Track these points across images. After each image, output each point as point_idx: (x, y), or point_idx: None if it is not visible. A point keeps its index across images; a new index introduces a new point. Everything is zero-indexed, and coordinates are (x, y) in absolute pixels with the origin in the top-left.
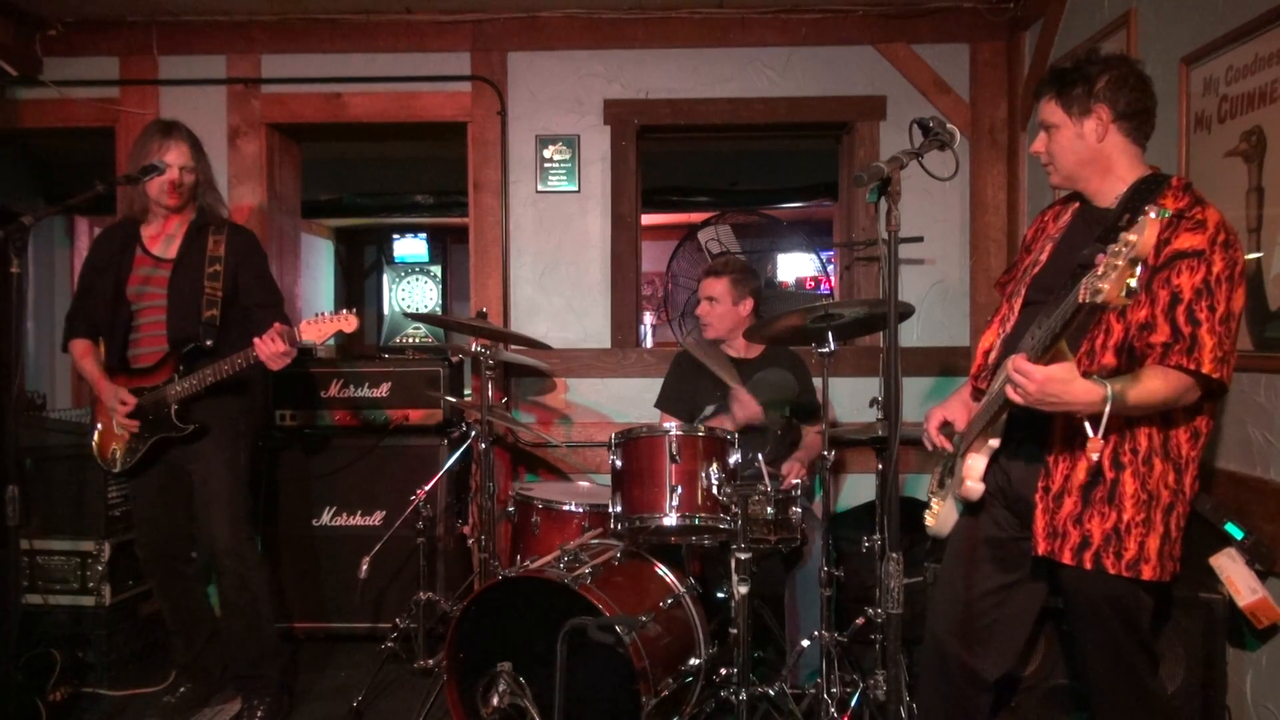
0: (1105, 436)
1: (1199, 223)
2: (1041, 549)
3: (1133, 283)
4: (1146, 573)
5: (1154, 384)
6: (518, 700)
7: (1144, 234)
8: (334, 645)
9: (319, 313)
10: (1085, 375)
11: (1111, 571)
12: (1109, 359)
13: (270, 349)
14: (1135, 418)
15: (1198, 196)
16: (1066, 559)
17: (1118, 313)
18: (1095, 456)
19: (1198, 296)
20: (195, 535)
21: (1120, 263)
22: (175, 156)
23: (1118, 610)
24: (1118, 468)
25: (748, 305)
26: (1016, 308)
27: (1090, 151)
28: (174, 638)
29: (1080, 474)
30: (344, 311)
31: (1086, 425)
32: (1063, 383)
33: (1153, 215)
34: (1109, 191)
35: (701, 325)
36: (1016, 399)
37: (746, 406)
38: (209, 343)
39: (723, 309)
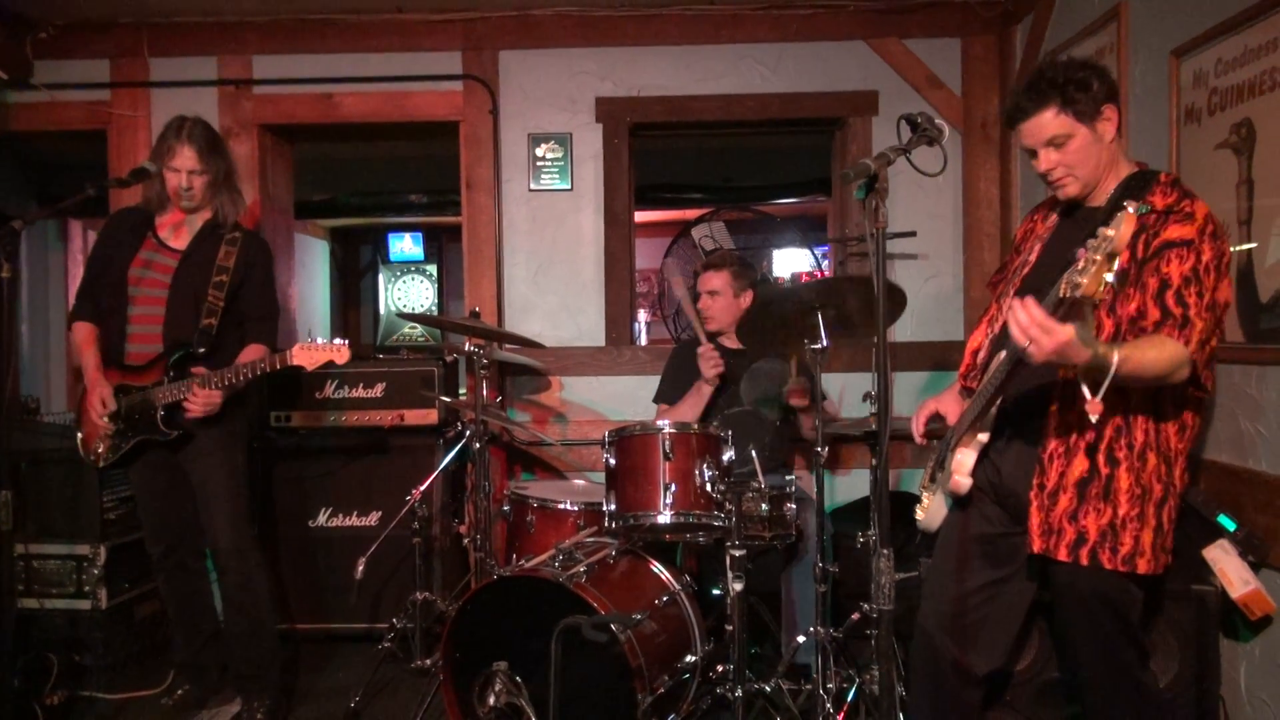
0: (1101, 425)
1: (1188, 215)
2: (1037, 546)
3: (1109, 276)
4: (1142, 566)
5: (1152, 352)
6: (514, 699)
7: (1120, 229)
8: (331, 645)
9: (315, 338)
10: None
11: (1108, 567)
12: None
13: (195, 404)
14: (1131, 413)
15: (1186, 190)
16: (1062, 555)
17: (1107, 308)
18: (1094, 418)
19: (1186, 283)
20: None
21: (1098, 257)
22: (182, 161)
23: (1108, 604)
24: (1112, 463)
25: (748, 297)
26: (1005, 308)
27: (1108, 152)
28: (175, 635)
29: (1075, 470)
30: (338, 342)
31: (1085, 389)
32: (1079, 345)
33: (1130, 210)
34: (1103, 190)
35: (703, 319)
36: (1030, 351)
37: (710, 360)
38: (201, 350)
39: (724, 301)
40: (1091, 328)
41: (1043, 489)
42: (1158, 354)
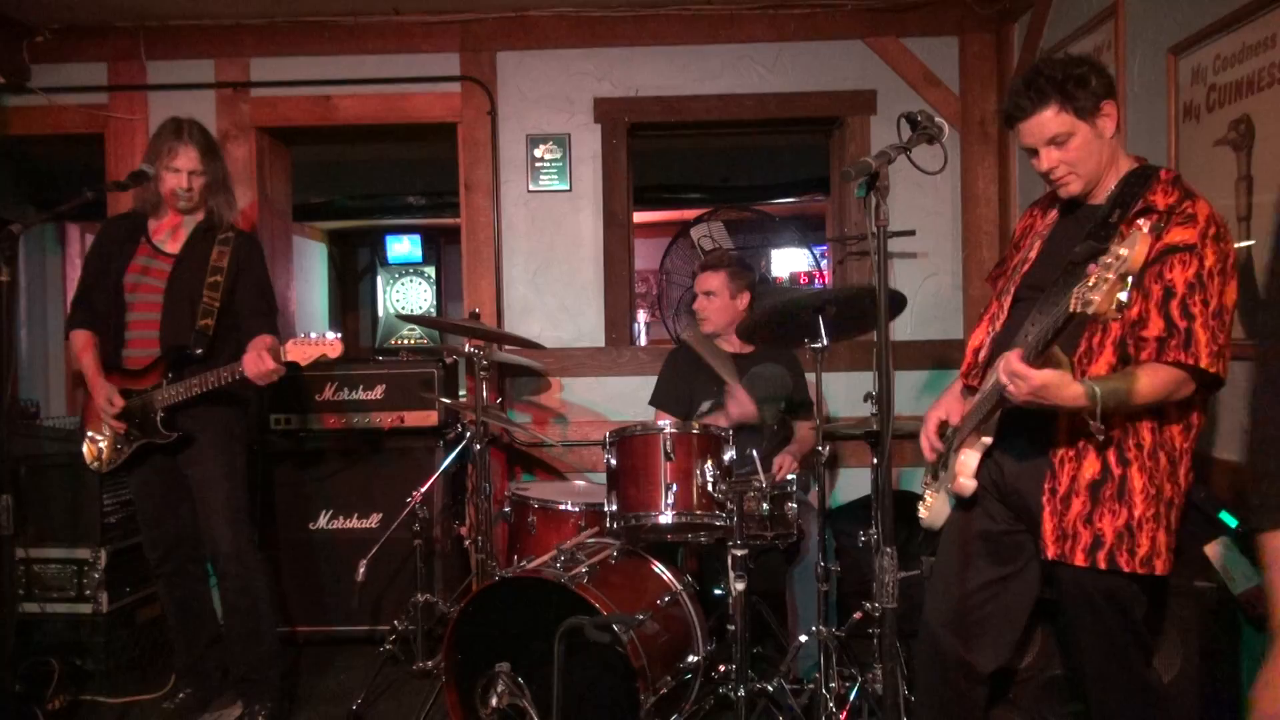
0: (1107, 426)
1: (1189, 217)
2: (1051, 553)
3: (1123, 296)
4: (1159, 568)
5: (1146, 381)
6: (516, 700)
7: (1135, 249)
8: (333, 648)
9: (307, 334)
10: (1084, 375)
11: (1126, 570)
12: (1109, 355)
13: (258, 368)
14: (1137, 414)
15: (1187, 190)
16: (1079, 560)
17: None
18: (1101, 437)
19: (1190, 291)
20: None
21: (1111, 275)
22: (184, 161)
23: (1112, 604)
24: (1124, 464)
25: (745, 299)
26: (1006, 305)
27: (1108, 149)
28: (176, 639)
29: (1087, 473)
30: (329, 336)
31: (1085, 415)
32: (1055, 388)
33: (1145, 230)
34: (1104, 187)
35: (698, 320)
36: (1010, 397)
37: (742, 404)
38: (199, 351)
39: (720, 302)
40: (1068, 368)
41: (1054, 493)
42: (1149, 381)
